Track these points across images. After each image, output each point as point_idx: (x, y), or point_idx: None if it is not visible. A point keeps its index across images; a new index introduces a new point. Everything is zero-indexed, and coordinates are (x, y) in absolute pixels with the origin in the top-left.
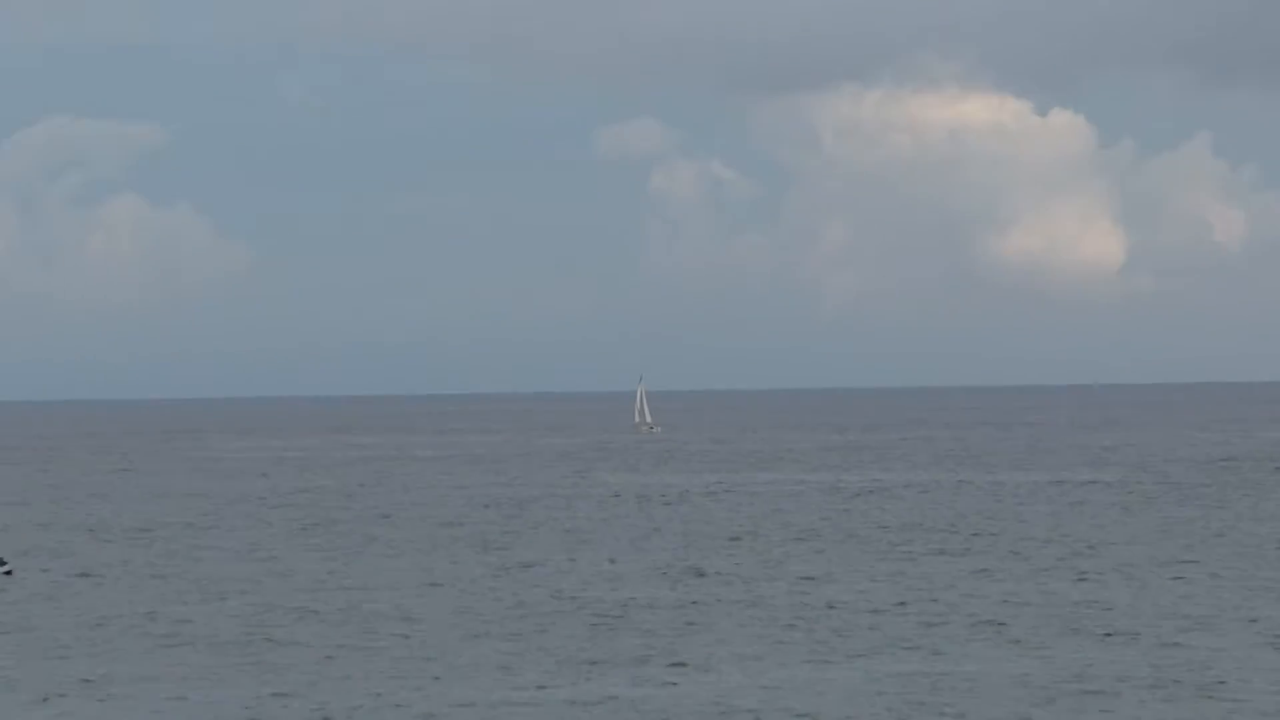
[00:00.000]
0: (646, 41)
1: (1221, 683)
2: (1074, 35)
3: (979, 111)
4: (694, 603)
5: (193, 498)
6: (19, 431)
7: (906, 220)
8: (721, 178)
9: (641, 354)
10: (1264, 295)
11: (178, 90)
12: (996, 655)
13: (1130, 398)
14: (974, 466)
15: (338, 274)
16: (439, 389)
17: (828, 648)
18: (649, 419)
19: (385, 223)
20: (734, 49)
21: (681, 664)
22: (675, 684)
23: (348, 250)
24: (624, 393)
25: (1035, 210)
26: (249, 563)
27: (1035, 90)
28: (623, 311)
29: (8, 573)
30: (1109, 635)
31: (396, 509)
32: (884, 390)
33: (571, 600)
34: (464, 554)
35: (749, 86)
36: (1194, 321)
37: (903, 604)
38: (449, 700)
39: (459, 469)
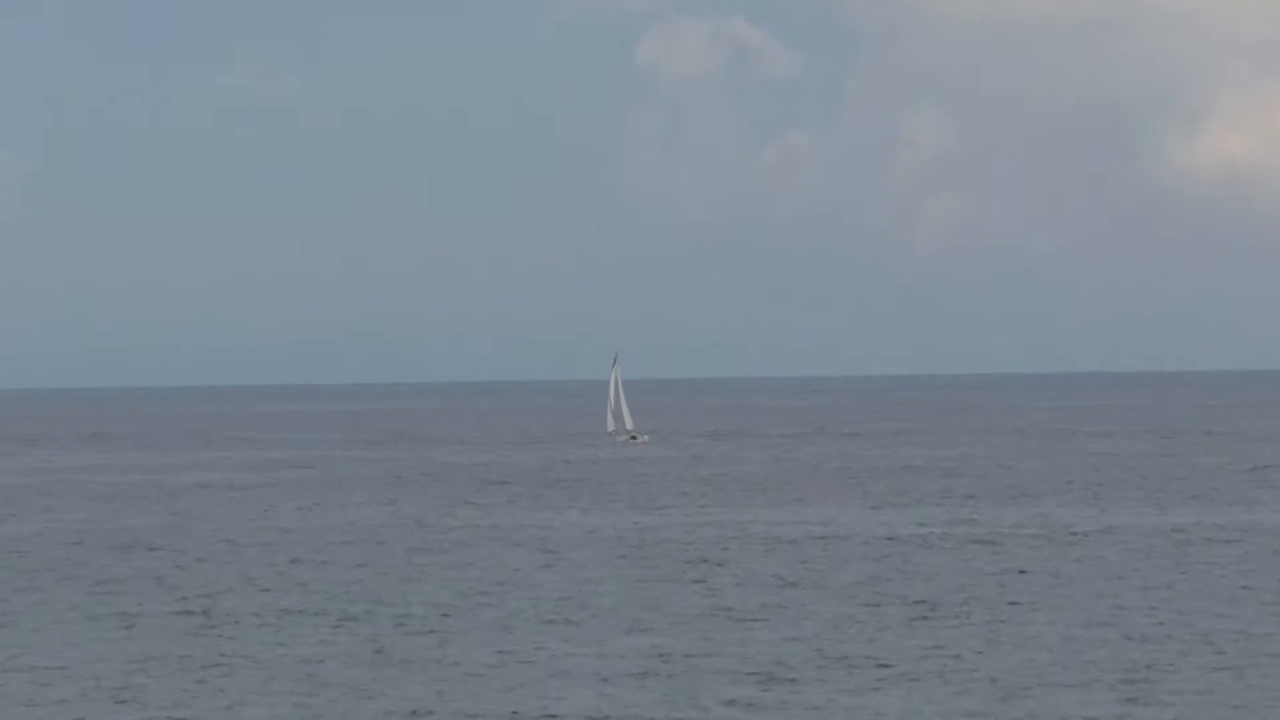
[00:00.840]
0: None
1: None
2: None
3: None
4: None
5: None
6: None
7: (1042, 113)
8: (747, 45)
9: (620, 325)
10: None
11: None
12: None
13: None
14: (1143, 501)
15: (160, 199)
16: (297, 377)
17: None
18: (630, 424)
19: (224, 117)
20: None
21: None
22: None
23: (171, 165)
24: (592, 382)
25: (1240, 97)
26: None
27: None
28: (591, 260)
29: None
30: None
31: (223, 566)
32: (1003, 378)
33: (508, 714)
34: (338, 640)
35: None
36: None
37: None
38: None
39: (325, 502)
